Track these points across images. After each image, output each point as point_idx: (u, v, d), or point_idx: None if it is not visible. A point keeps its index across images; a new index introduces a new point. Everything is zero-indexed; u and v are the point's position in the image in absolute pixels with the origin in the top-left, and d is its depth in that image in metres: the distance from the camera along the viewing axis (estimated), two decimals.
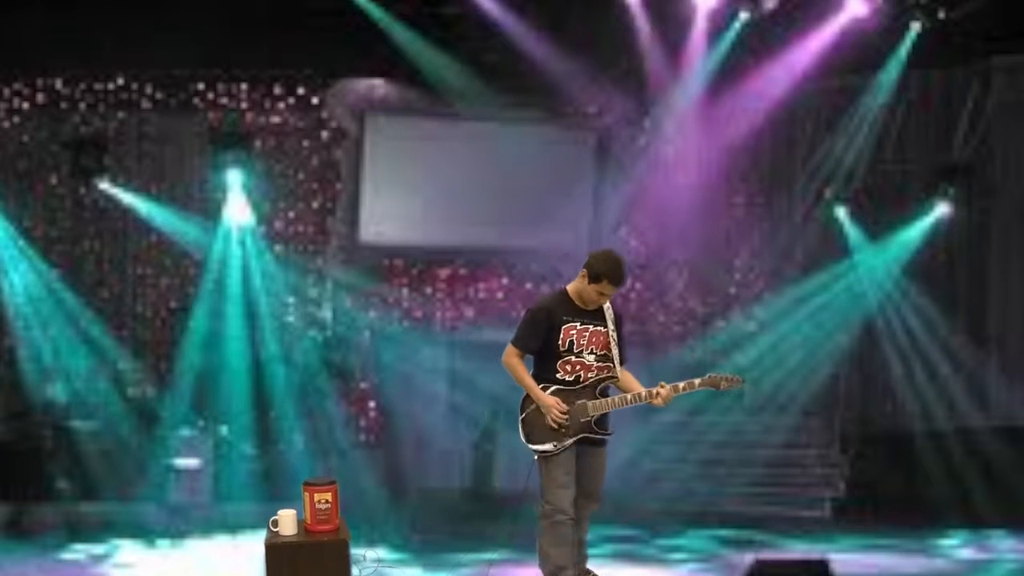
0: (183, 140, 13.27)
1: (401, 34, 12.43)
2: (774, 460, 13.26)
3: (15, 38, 11.83)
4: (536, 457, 6.40)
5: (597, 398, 6.39)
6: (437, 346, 13.89)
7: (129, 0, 11.83)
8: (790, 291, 13.67)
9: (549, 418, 6.31)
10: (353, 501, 8.44)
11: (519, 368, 6.42)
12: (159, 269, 13.41)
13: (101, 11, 11.72)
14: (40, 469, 12.12)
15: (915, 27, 12.51)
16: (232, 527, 11.30)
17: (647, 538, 11.03)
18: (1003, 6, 12.03)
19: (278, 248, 13.44)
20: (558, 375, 6.39)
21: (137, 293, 13.39)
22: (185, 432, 12.37)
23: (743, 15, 12.52)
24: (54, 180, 13.19)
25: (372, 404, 13.59)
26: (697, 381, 6.37)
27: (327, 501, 5.98)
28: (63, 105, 13.02)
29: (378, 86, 13.31)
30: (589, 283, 6.36)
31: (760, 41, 12.73)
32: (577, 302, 6.44)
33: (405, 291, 13.78)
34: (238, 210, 12.87)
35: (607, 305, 6.48)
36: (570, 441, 6.33)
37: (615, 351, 6.47)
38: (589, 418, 6.35)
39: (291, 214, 13.57)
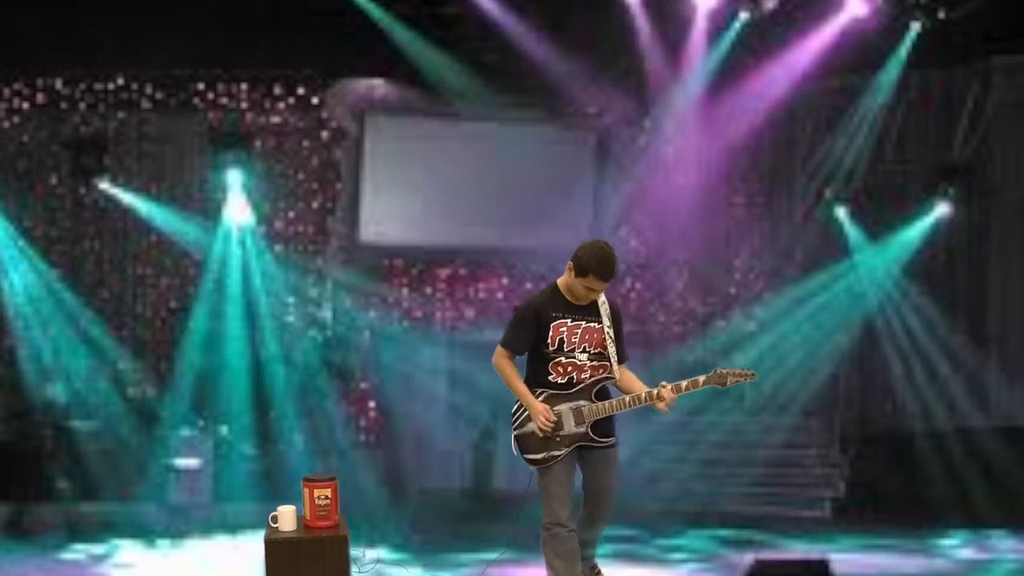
0: (183, 140, 13.26)
1: (401, 34, 12.43)
2: (774, 460, 13.26)
3: (15, 38, 11.82)
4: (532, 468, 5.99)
5: (594, 402, 5.94)
6: (437, 346, 13.88)
7: (129, 0, 11.83)
8: (790, 291, 13.66)
9: (535, 426, 5.89)
10: (353, 501, 8.45)
11: (508, 371, 5.98)
12: (159, 269, 13.40)
13: (101, 11, 11.71)
14: (40, 469, 12.10)
15: (915, 27, 12.50)
16: (232, 527, 11.31)
17: (647, 538, 11.03)
18: (1003, 6, 12.04)
19: (278, 248, 13.43)
20: (550, 378, 5.94)
21: (137, 293, 13.38)
22: (185, 432, 12.34)
23: (743, 15, 12.51)
24: (54, 180, 13.18)
25: (372, 404, 13.58)
26: (702, 379, 5.88)
27: (327, 497, 5.95)
28: (63, 105, 13.01)
29: (378, 86, 13.30)
30: (576, 277, 5.87)
31: (760, 41, 12.72)
32: (568, 297, 5.97)
33: (405, 291, 13.78)
34: (238, 210, 12.86)
35: (602, 300, 6.02)
36: (563, 452, 5.90)
37: (611, 349, 5.99)
38: (585, 425, 5.91)
39: (291, 214, 13.56)
